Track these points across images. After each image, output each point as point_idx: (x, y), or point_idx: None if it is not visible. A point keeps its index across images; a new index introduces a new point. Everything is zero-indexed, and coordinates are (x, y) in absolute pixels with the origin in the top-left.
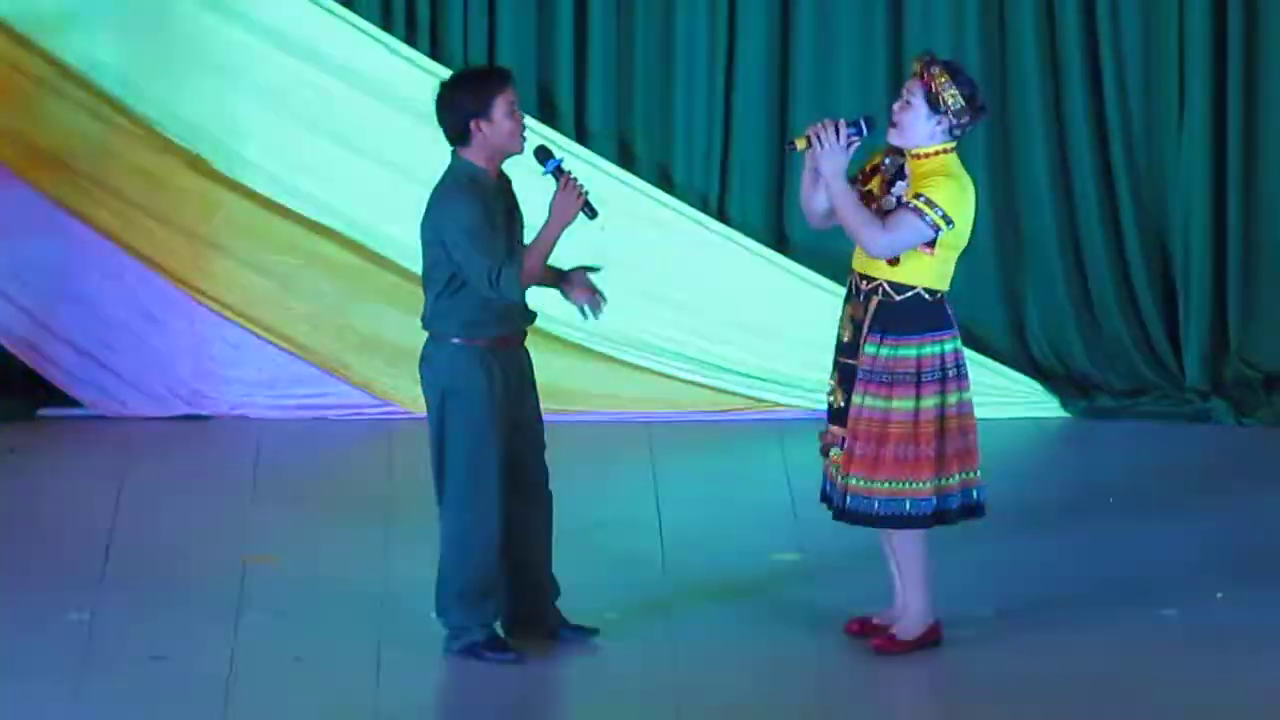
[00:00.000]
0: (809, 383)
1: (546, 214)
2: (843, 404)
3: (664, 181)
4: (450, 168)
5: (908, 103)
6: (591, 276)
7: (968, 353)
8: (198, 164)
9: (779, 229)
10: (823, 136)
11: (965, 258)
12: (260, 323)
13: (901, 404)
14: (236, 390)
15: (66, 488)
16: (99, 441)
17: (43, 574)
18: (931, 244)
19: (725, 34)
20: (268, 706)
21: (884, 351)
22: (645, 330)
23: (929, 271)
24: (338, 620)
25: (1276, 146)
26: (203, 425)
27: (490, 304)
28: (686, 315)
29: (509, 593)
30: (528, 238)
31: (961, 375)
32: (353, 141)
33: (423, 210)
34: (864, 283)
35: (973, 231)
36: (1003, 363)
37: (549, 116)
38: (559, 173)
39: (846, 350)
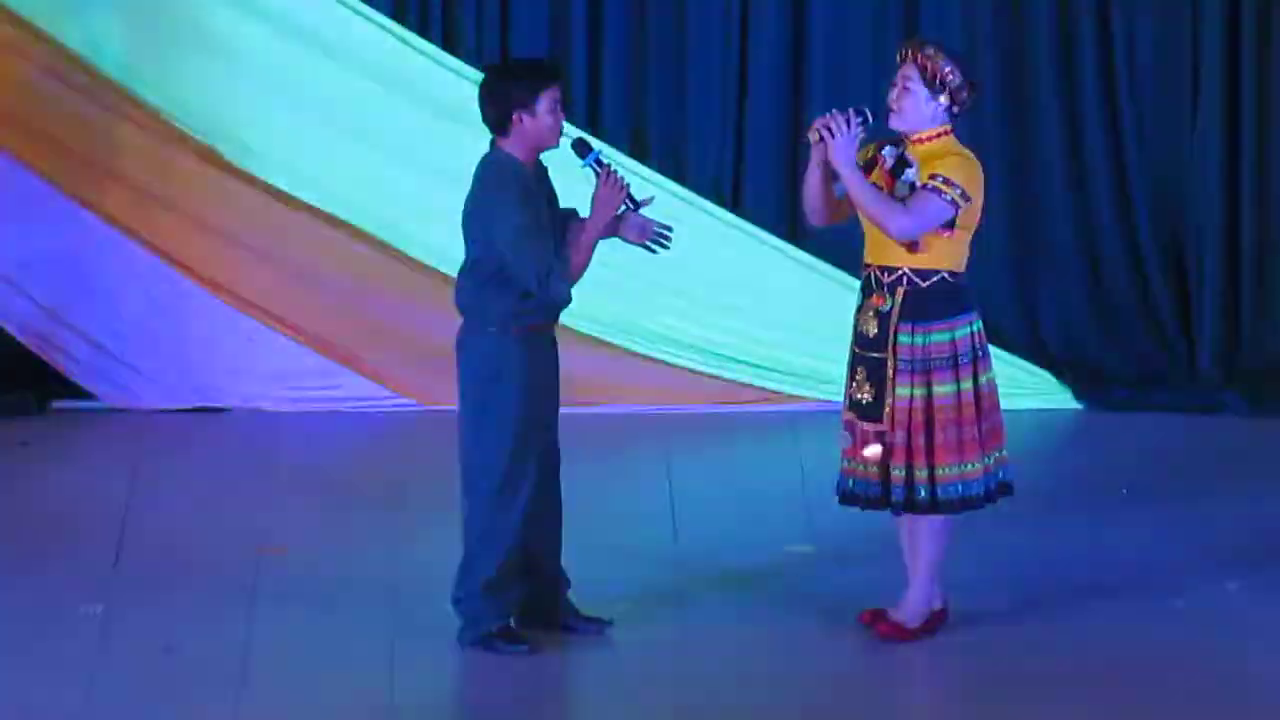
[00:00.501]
0: (822, 374)
1: (589, 208)
2: (872, 398)
3: (677, 172)
4: (491, 160)
5: (905, 88)
6: (645, 211)
7: None
8: (210, 155)
9: (792, 220)
10: (833, 127)
11: (979, 249)
12: (273, 315)
13: (942, 389)
14: (250, 382)
15: (79, 480)
16: (112, 434)
17: (56, 566)
18: (950, 225)
19: (739, 24)
20: (280, 697)
21: (918, 340)
22: (658, 322)
23: (949, 254)
24: (351, 611)
25: None
26: (216, 417)
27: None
28: (699, 307)
29: (523, 583)
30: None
31: (988, 354)
32: (366, 134)
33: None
34: (885, 274)
35: (986, 215)
36: (1016, 354)
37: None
38: (599, 165)
39: (872, 344)
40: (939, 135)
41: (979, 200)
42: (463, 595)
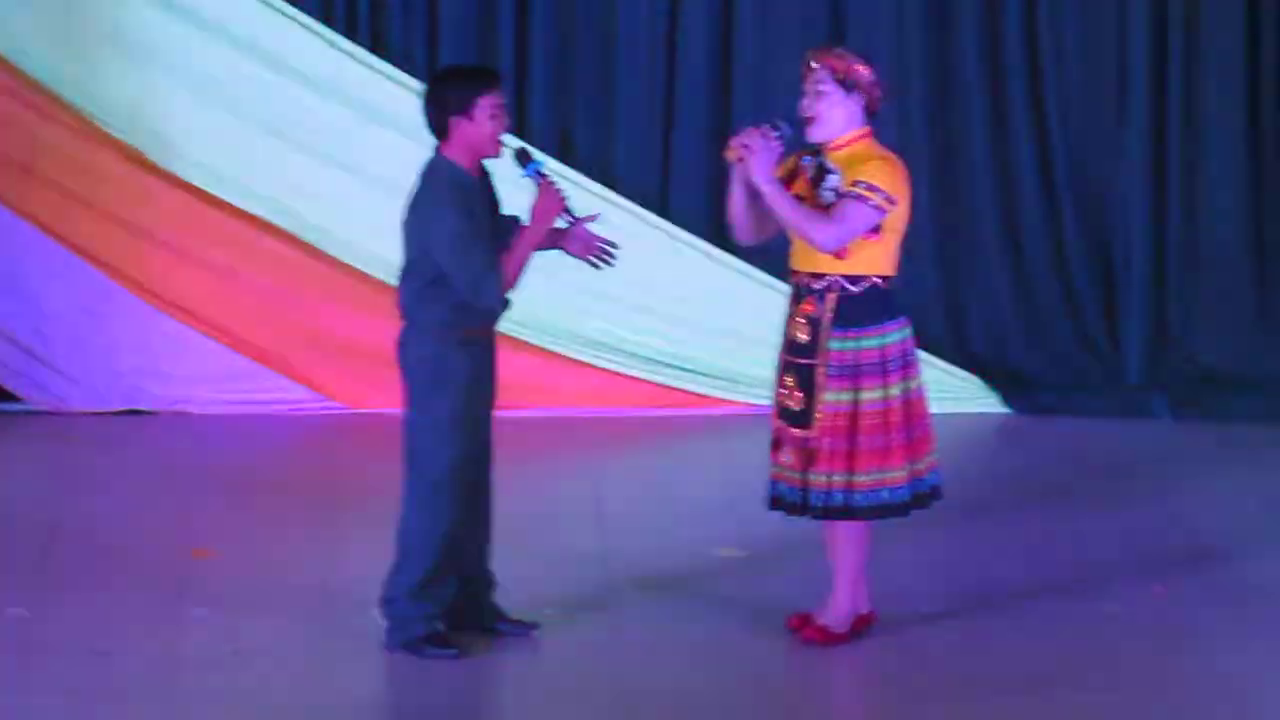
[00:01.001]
0: (750, 378)
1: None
2: (802, 405)
3: (605, 177)
4: (432, 165)
5: (818, 92)
6: (590, 226)
7: None
8: (134, 156)
9: (720, 224)
10: (750, 144)
11: (905, 252)
12: (200, 317)
13: (870, 395)
14: (177, 385)
15: (6, 483)
16: (39, 436)
17: None
18: (877, 229)
19: (666, 30)
20: (209, 701)
21: (849, 345)
22: (586, 325)
23: (878, 258)
24: (279, 614)
25: (1217, 143)
26: (144, 420)
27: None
28: (627, 311)
29: (450, 586)
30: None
31: (917, 360)
32: (292, 136)
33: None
34: (815, 281)
35: (913, 218)
36: (943, 358)
37: None
38: (539, 176)
39: (802, 351)
40: (858, 138)
41: (905, 202)
42: (391, 597)
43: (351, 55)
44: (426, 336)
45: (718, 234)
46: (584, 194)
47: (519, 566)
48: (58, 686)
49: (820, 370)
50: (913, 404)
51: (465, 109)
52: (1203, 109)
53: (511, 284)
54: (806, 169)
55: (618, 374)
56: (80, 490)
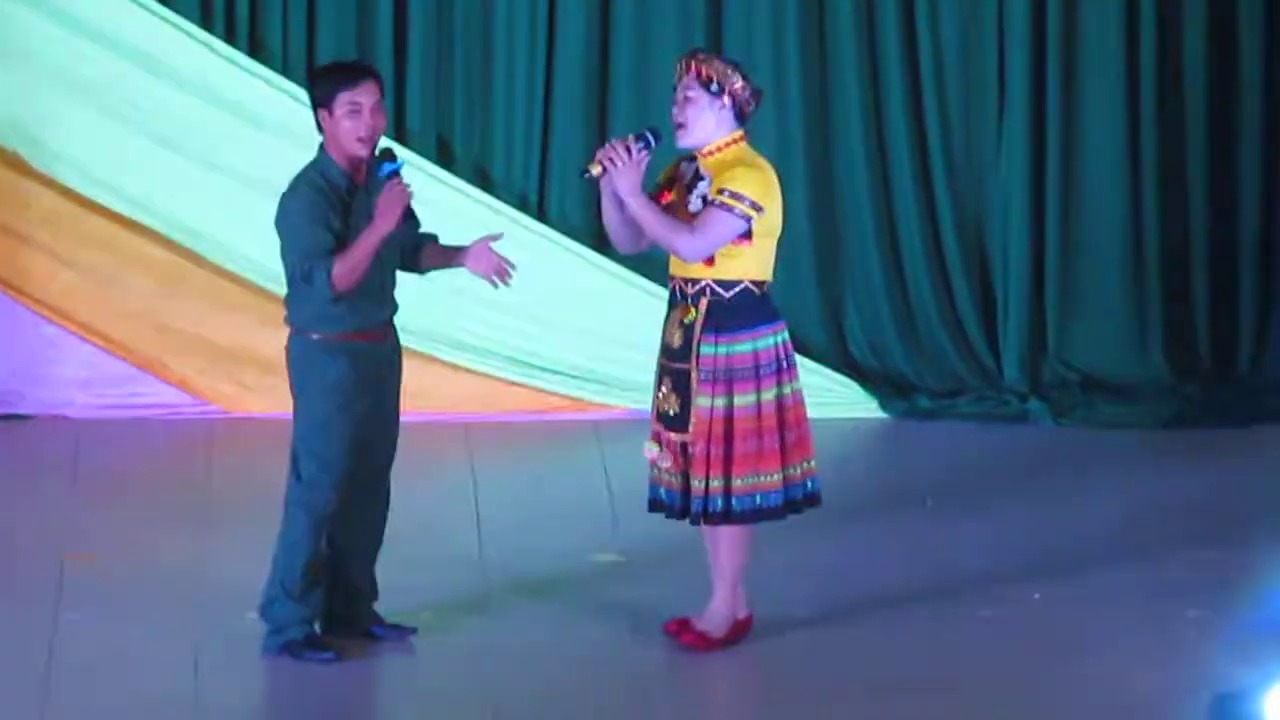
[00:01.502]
0: (628, 383)
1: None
2: (676, 410)
3: (483, 181)
4: (311, 161)
5: (686, 98)
6: (492, 244)
7: None
8: (10, 159)
9: (598, 229)
10: (614, 158)
11: (783, 256)
12: (77, 320)
13: (743, 399)
14: (54, 389)
15: None
16: None
17: None
18: (748, 235)
19: (545, 33)
20: (85, 705)
21: (720, 350)
22: (462, 329)
23: (751, 263)
24: (155, 618)
25: (1095, 148)
26: (20, 424)
27: (339, 298)
28: (504, 314)
29: (327, 590)
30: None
31: (793, 365)
32: (170, 140)
33: (241, 208)
34: (689, 286)
35: (788, 220)
36: (821, 363)
37: None
38: (392, 177)
39: (677, 355)
40: (730, 144)
41: (774, 207)
42: (268, 600)
43: (228, 58)
44: (299, 338)
45: (597, 238)
46: (460, 198)
47: (395, 570)
48: None
49: (694, 375)
50: (787, 408)
51: (327, 105)
52: (1081, 114)
53: (348, 276)
54: (684, 175)
55: (494, 378)
56: None
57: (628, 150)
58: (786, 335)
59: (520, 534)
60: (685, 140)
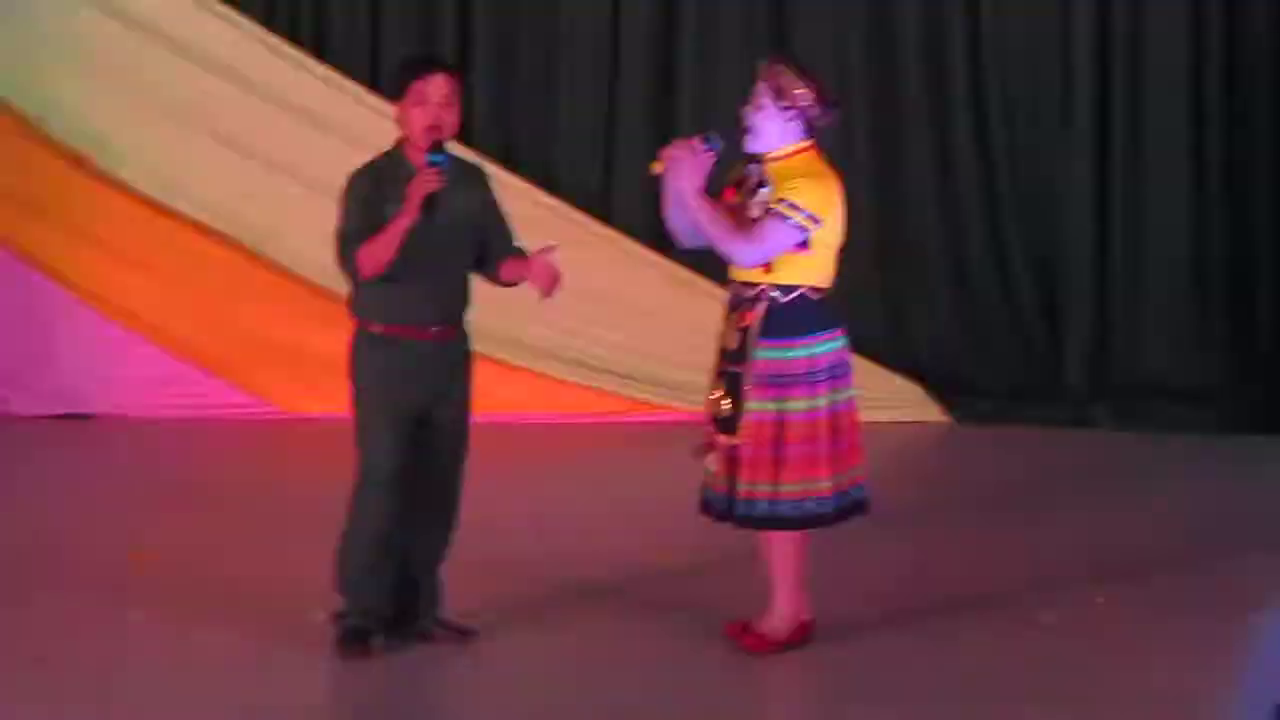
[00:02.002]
0: (691, 385)
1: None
2: (730, 412)
3: (547, 182)
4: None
5: (757, 105)
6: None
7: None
8: (79, 161)
9: (662, 230)
10: (678, 157)
11: (848, 262)
12: (143, 321)
13: (796, 405)
14: (119, 389)
15: None
16: None
17: None
18: (806, 244)
19: (609, 34)
20: (149, 706)
21: (775, 355)
22: (525, 332)
23: (810, 271)
24: (220, 618)
25: (1161, 156)
26: (85, 423)
27: (381, 289)
28: (565, 316)
29: (392, 589)
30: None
31: (848, 372)
32: (237, 143)
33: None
34: (746, 290)
35: (851, 228)
36: (884, 366)
37: None
38: (432, 167)
39: (732, 358)
40: (795, 153)
41: (833, 219)
42: (337, 588)
43: (297, 63)
44: (357, 329)
45: (661, 242)
46: (524, 200)
47: (457, 572)
48: None
49: (747, 379)
50: (840, 415)
51: (400, 94)
52: (1147, 121)
53: (371, 260)
54: (749, 177)
55: (557, 380)
56: (19, 494)
57: (692, 151)
58: (844, 342)
59: (580, 536)
60: (752, 144)
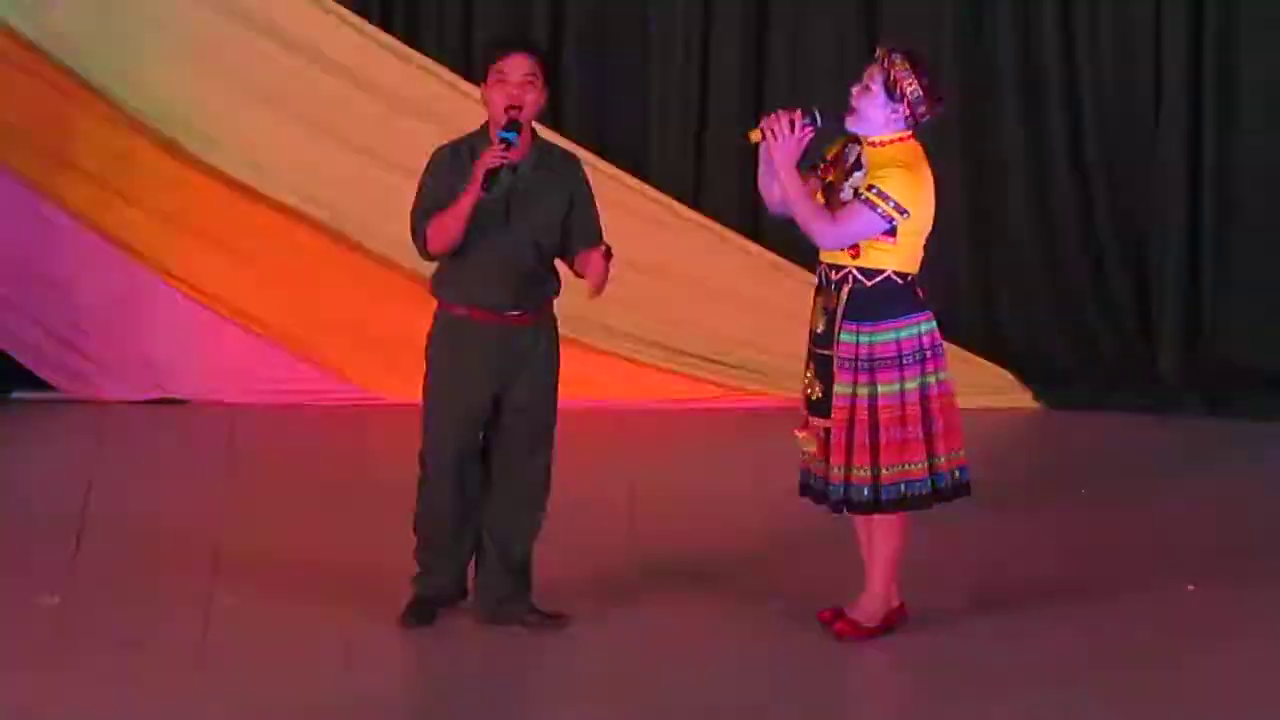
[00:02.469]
0: (782, 371)
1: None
2: (821, 395)
3: (638, 168)
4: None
5: (866, 88)
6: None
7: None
8: (169, 146)
9: (753, 215)
10: (775, 128)
11: (938, 247)
12: (233, 306)
13: (887, 388)
14: (209, 374)
15: (38, 472)
16: (71, 425)
17: (13, 558)
18: (893, 233)
19: (700, 20)
20: (239, 690)
21: (862, 339)
22: (616, 317)
23: (897, 257)
24: (310, 603)
25: (1251, 139)
26: (176, 409)
27: (458, 272)
28: (658, 302)
29: (476, 572)
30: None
31: (940, 354)
32: (325, 127)
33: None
34: (833, 272)
35: (941, 208)
36: (975, 352)
37: None
38: (500, 140)
39: (821, 341)
40: (894, 141)
41: (922, 211)
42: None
43: (385, 46)
44: (435, 312)
45: (751, 225)
46: (616, 186)
47: (549, 560)
48: (89, 676)
49: (834, 361)
50: (931, 398)
51: (484, 74)
52: (1238, 102)
53: (437, 237)
54: (847, 158)
55: (650, 366)
56: (112, 479)
57: (791, 124)
58: (932, 325)
59: (674, 522)
60: (853, 124)
